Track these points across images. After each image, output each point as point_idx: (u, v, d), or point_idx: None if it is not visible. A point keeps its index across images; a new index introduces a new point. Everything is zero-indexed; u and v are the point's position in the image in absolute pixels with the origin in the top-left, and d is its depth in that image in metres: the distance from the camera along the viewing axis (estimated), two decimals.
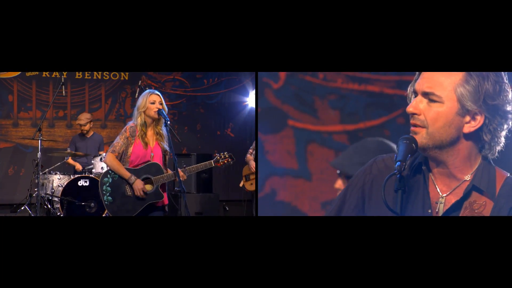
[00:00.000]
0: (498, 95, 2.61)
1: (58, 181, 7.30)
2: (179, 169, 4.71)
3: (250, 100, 10.73)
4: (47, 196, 7.07)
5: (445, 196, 2.69)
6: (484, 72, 2.61)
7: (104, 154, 7.68)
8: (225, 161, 5.07)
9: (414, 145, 2.63)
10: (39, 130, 6.78)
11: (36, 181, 6.79)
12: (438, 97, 2.59)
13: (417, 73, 2.75)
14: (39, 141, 6.67)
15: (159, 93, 4.77)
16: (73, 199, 6.99)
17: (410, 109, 2.65)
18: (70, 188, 7.09)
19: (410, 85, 2.77)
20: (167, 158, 4.88)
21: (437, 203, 2.70)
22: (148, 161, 4.77)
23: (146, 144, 4.72)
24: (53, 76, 9.64)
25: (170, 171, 4.84)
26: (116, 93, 10.18)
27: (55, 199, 7.13)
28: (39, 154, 6.67)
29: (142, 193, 4.65)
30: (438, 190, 2.70)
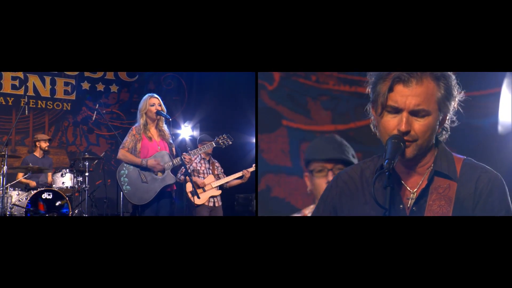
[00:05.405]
0: (453, 92, 2.58)
1: (17, 196, 6.89)
2: (184, 154, 4.90)
3: (182, 132, 10.65)
4: (9, 209, 6.63)
5: (415, 191, 2.64)
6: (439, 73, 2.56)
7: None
8: (225, 142, 5.50)
9: (402, 144, 2.54)
10: (6, 145, 6.38)
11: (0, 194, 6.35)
12: (427, 112, 2.53)
13: (369, 87, 2.69)
14: (5, 156, 6.26)
15: (157, 96, 4.94)
16: (38, 210, 6.65)
17: (403, 128, 2.53)
18: (35, 201, 6.78)
19: (371, 102, 2.68)
20: (173, 150, 5.00)
21: (408, 199, 2.64)
22: (157, 152, 4.93)
23: (150, 138, 4.86)
24: None
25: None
26: (59, 122, 9.91)
27: (16, 213, 6.69)
28: (5, 168, 6.23)
29: (159, 166, 4.78)
30: (408, 188, 2.66)
